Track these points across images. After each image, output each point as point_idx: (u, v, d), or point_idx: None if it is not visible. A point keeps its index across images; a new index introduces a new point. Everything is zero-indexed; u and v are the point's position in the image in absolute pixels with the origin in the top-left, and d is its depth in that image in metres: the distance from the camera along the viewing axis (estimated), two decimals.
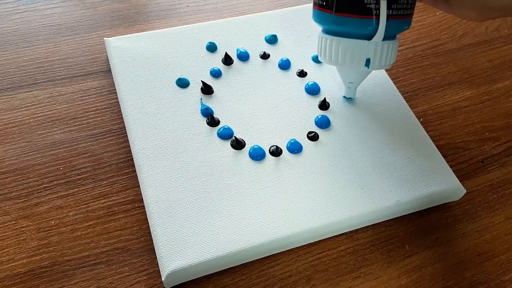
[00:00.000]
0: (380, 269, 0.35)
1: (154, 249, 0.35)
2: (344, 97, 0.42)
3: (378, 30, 0.34)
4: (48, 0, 0.53)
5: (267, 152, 0.39)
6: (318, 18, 0.37)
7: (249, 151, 0.39)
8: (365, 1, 0.33)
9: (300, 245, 0.36)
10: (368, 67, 0.36)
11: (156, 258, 0.34)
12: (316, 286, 0.34)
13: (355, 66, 0.36)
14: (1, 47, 0.48)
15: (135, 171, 0.39)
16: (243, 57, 0.46)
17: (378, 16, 0.33)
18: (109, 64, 0.46)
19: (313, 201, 0.36)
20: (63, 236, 0.35)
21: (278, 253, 0.36)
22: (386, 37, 0.35)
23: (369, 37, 0.35)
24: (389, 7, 0.33)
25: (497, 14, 0.32)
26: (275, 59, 0.46)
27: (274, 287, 0.34)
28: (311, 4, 0.37)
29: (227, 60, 0.46)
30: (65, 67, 0.46)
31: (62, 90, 0.44)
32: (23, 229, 0.36)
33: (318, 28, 0.38)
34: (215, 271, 0.34)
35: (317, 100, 0.43)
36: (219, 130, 0.40)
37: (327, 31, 0.37)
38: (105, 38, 0.47)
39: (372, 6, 0.33)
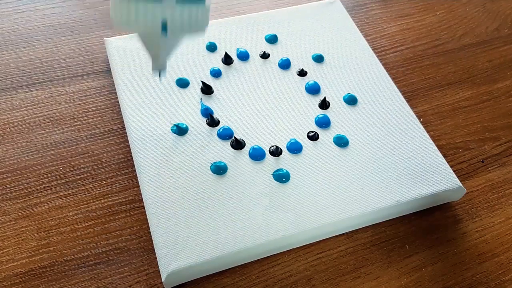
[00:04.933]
0: (380, 269, 0.35)
1: (154, 249, 0.35)
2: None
3: None
4: (48, 0, 0.53)
5: (267, 152, 0.39)
6: None
7: (249, 151, 0.39)
8: None
9: (300, 245, 0.36)
10: (165, 33, 0.29)
11: (156, 258, 0.34)
12: (316, 286, 0.34)
13: (150, 30, 0.30)
14: (1, 47, 0.48)
15: (135, 171, 0.39)
16: (243, 56, 0.46)
17: None
18: (109, 64, 0.46)
19: (313, 201, 0.36)
20: (63, 236, 0.35)
21: (278, 253, 0.36)
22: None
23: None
24: None
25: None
26: (275, 58, 0.46)
27: (274, 287, 0.34)
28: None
29: (227, 60, 0.46)
30: (65, 67, 0.46)
31: (62, 90, 0.44)
32: (23, 229, 0.36)
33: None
34: (215, 271, 0.34)
35: (317, 100, 0.43)
36: (219, 130, 0.40)
37: None
38: (105, 38, 0.47)
39: None
